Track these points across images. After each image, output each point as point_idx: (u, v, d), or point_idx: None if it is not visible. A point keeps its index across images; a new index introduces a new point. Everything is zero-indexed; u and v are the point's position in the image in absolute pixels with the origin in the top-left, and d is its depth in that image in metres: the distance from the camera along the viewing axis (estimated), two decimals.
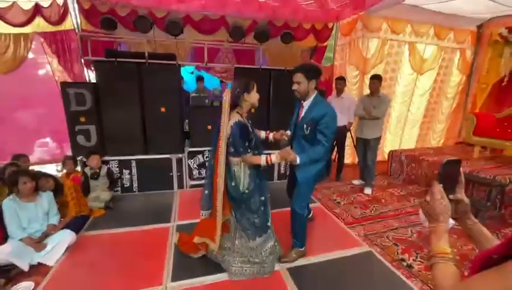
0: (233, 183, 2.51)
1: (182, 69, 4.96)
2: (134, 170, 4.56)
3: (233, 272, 2.69)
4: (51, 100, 4.70)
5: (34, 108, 5.13)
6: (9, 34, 4.58)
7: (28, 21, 4.57)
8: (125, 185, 4.59)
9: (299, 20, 5.65)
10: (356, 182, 5.33)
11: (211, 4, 4.82)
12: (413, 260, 3.10)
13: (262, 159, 2.47)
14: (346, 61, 6.09)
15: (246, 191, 2.52)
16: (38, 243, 2.95)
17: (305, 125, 2.65)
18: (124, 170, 4.54)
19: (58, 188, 3.56)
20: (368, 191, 4.93)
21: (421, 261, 3.08)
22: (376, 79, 4.60)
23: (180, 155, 4.69)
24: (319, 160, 2.61)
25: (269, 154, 2.51)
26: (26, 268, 2.71)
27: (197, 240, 2.84)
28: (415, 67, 6.47)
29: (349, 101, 5.09)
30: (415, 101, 6.81)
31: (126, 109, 4.35)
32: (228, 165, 2.52)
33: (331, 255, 3.10)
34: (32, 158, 5.03)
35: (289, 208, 2.93)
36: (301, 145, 2.70)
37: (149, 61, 4.38)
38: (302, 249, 3.02)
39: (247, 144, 2.45)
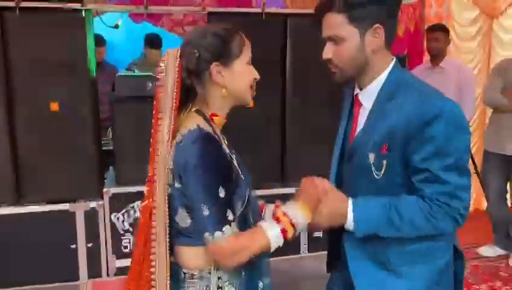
0: None
1: (96, 20, 2.66)
2: None
3: None
4: None
5: None
6: None
7: None
8: None
9: None
10: (487, 250, 3.00)
11: None
12: None
13: (270, 235, 0.98)
14: None
15: None
16: None
17: (370, 155, 1.07)
18: None
19: None
20: None
21: None
22: None
23: (94, 204, 2.42)
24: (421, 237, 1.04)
25: (279, 218, 1.02)
26: None
27: None
28: None
29: (457, 75, 2.84)
30: None
31: None
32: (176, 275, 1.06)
33: None
34: None
35: None
36: (364, 200, 1.12)
37: (23, 4, 2.39)
38: None
39: (223, 194, 0.95)
